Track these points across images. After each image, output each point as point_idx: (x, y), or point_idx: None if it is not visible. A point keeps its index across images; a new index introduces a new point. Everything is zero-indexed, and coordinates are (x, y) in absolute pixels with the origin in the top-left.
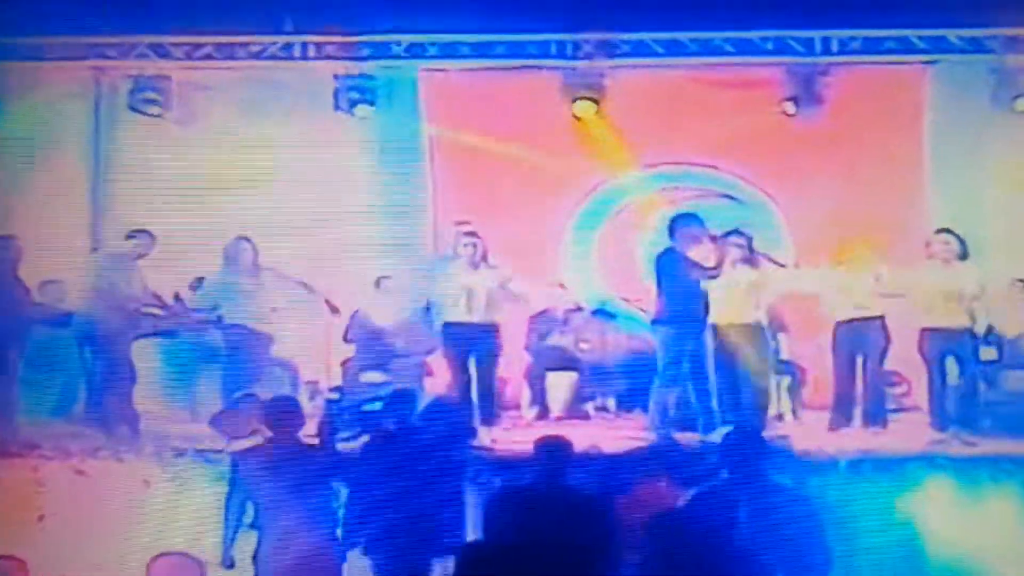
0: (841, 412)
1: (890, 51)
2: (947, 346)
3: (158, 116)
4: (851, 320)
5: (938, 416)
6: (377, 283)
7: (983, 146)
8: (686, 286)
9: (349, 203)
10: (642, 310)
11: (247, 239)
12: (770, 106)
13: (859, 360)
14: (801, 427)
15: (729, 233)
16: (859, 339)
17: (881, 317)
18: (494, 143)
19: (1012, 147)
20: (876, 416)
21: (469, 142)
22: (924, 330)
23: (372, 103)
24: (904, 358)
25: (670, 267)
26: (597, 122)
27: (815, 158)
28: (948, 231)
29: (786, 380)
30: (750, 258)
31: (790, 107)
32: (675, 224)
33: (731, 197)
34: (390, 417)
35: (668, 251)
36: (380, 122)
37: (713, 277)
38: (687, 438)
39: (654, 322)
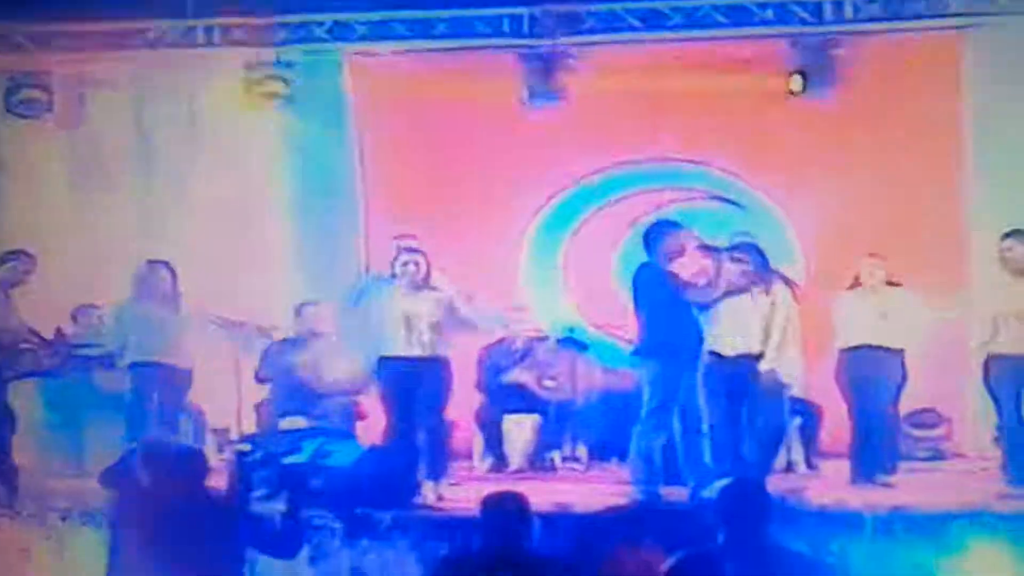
0: (861, 462)
1: (917, 16)
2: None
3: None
4: (859, 347)
5: (1014, 465)
6: (298, 311)
7: None
8: (672, 309)
9: (264, 215)
10: (620, 339)
11: (164, 263)
12: (772, 87)
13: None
14: (818, 478)
15: (734, 246)
16: (871, 370)
17: (901, 351)
18: (437, 140)
19: None
20: (879, 463)
21: (407, 139)
22: (992, 358)
23: (290, 96)
24: (941, 393)
25: (650, 286)
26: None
27: (828, 149)
28: (1018, 233)
29: (797, 421)
30: (759, 276)
31: (796, 83)
32: (651, 233)
33: (727, 200)
34: (315, 472)
35: (646, 267)
36: (300, 117)
37: (704, 301)
38: (676, 493)
39: (635, 353)
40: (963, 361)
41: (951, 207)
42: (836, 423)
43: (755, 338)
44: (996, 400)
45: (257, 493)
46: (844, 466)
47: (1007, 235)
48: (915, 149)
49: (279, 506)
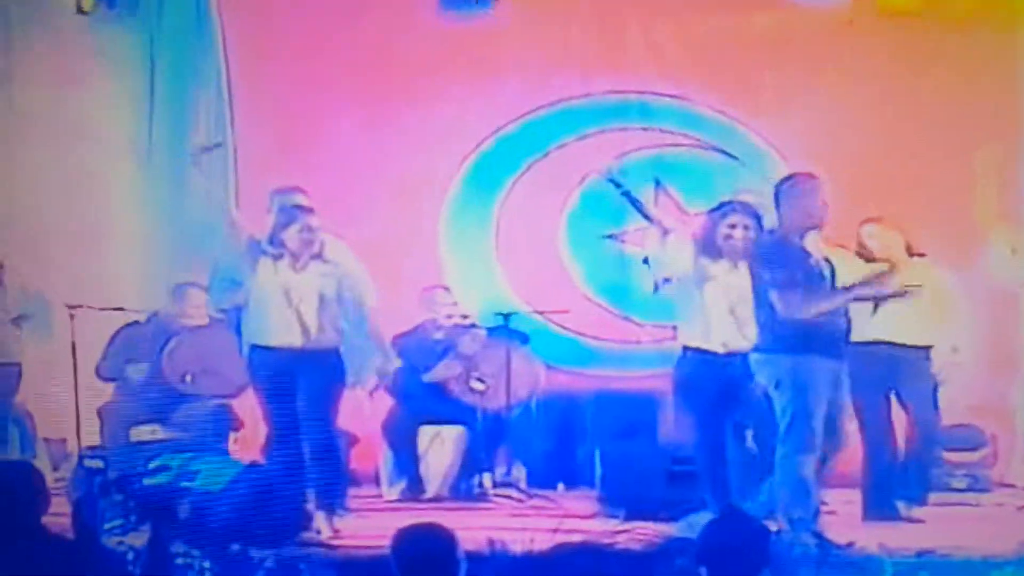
0: (875, 495)
1: None
2: None
3: None
4: (870, 343)
5: None
6: (166, 290)
7: None
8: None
9: (108, 163)
10: (569, 329)
11: None
12: None
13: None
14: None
15: (721, 207)
16: (889, 372)
17: (927, 348)
18: (332, 67)
19: None
20: (913, 491)
21: (291, 68)
22: None
23: (135, 10)
24: (983, 405)
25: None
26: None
27: (848, 77)
28: None
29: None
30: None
31: None
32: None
33: (715, 148)
34: (177, 496)
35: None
36: (151, 38)
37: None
38: (644, 529)
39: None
40: (1012, 363)
41: (1004, 159)
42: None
43: (749, 329)
44: None
45: (109, 524)
46: (856, 497)
47: None
48: (957, 79)
49: (139, 541)
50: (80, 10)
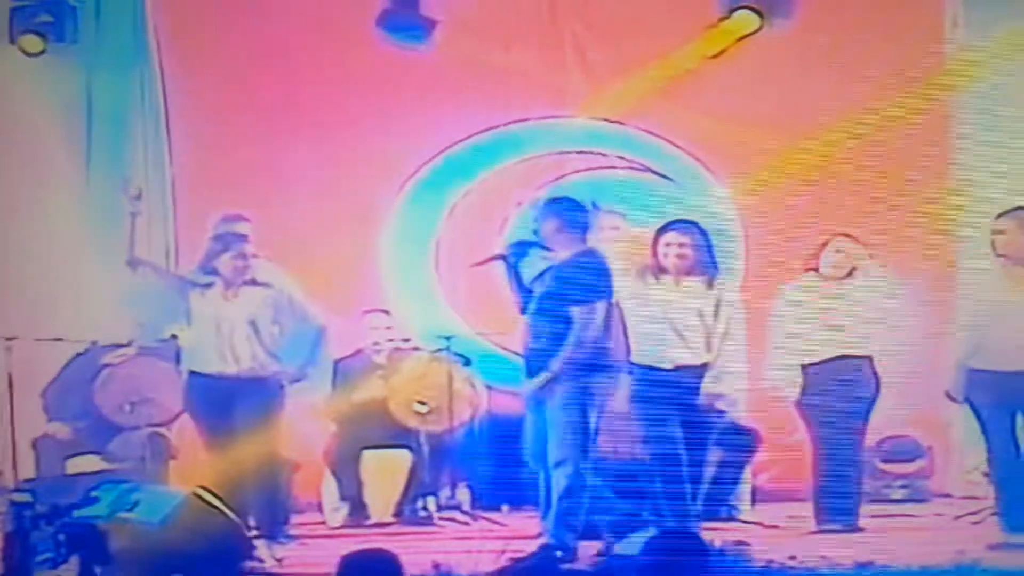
0: (829, 503)
1: None
2: (1012, 397)
3: None
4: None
5: (1010, 507)
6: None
7: None
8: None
9: (41, 188)
10: (510, 350)
11: None
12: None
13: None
14: (763, 529)
15: (667, 226)
16: (839, 385)
17: (868, 357)
18: (267, 87)
19: None
20: (840, 510)
21: (230, 95)
22: (974, 372)
23: (72, 39)
24: (920, 416)
25: (578, 276)
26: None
27: (786, 98)
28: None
29: (717, 454)
30: (702, 265)
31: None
32: (547, 212)
33: (654, 172)
34: (115, 529)
35: (587, 254)
36: (85, 59)
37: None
38: (585, 549)
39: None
40: (947, 375)
41: (937, 177)
42: (781, 455)
43: (697, 346)
44: (983, 426)
45: (41, 558)
46: (796, 510)
47: (1002, 214)
48: (890, 98)
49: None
50: (25, 53)
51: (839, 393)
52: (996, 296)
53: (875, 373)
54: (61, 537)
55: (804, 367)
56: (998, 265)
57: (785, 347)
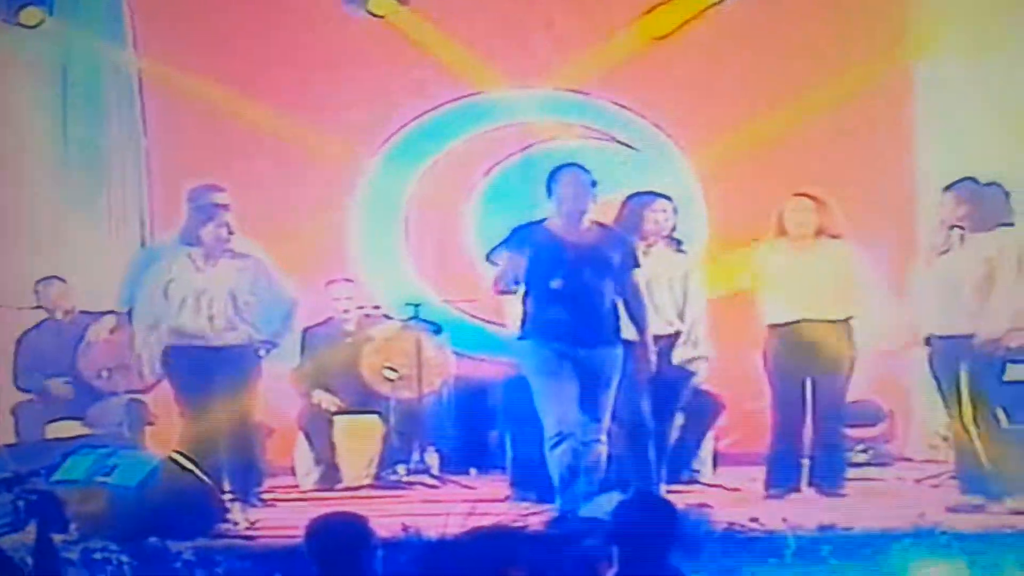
0: (781, 469)
1: None
2: (960, 363)
3: None
4: (791, 323)
5: (968, 470)
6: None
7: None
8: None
9: (18, 157)
10: (477, 318)
11: None
12: None
13: (808, 387)
14: (726, 491)
15: (640, 194)
16: (807, 354)
17: (846, 320)
18: (238, 58)
19: None
20: (828, 477)
21: (202, 64)
22: (932, 338)
23: (48, 8)
24: (881, 380)
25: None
26: (408, 20)
27: (748, 73)
28: (968, 182)
29: (680, 420)
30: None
31: None
32: (555, 177)
33: (618, 142)
34: (101, 489)
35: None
36: (60, 29)
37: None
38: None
39: (524, 336)
40: (909, 339)
41: (899, 145)
42: (742, 420)
43: (669, 314)
44: (941, 391)
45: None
46: (756, 474)
47: (948, 187)
48: (855, 72)
49: (26, 539)
50: (22, 24)
51: (802, 356)
52: (945, 264)
53: (849, 336)
54: (20, 504)
55: (771, 328)
56: (946, 234)
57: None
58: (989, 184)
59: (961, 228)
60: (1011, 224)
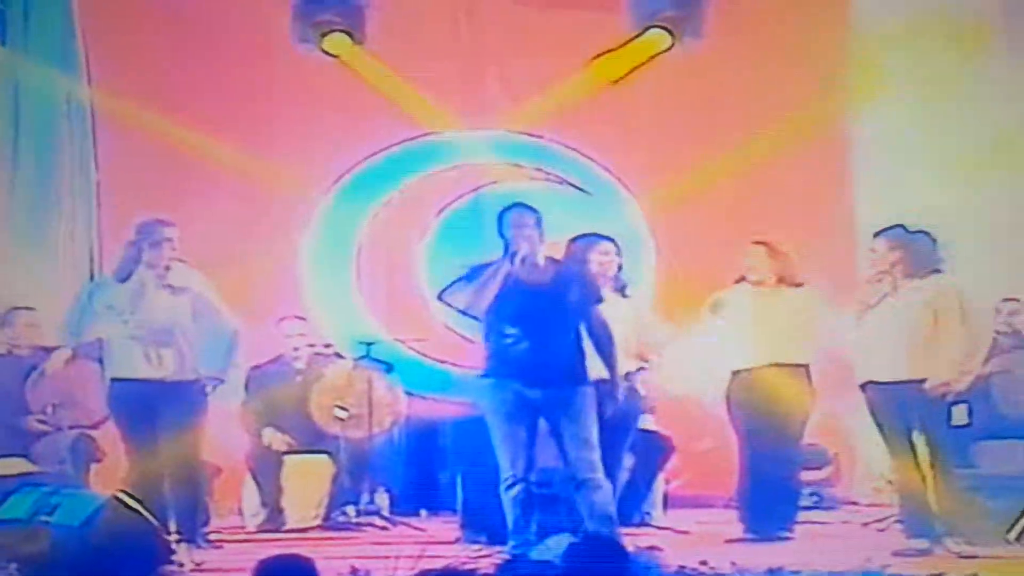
0: (758, 513)
1: None
2: (908, 409)
3: None
4: (751, 369)
5: (912, 514)
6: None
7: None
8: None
9: None
10: (428, 356)
11: None
12: (626, 33)
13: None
14: (676, 535)
15: (584, 236)
16: (768, 398)
17: (805, 366)
18: (192, 92)
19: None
20: (777, 519)
21: (152, 93)
22: (869, 384)
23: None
24: (827, 423)
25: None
26: (362, 60)
27: (695, 118)
28: (898, 229)
29: (629, 461)
30: (618, 280)
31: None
32: (502, 219)
33: (571, 185)
34: (34, 533)
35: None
36: (12, 61)
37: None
38: (506, 553)
39: (486, 375)
40: (850, 381)
41: (841, 192)
42: (692, 461)
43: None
44: (884, 435)
45: None
46: (706, 517)
47: (878, 233)
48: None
49: None
50: None
51: (765, 401)
52: (884, 310)
53: (809, 381)
54: None
55: (734, 373)
56: (877, 280)
57: (713, 354)
58: (916, 232)
59: (893, 274)
60: (940, 271)
